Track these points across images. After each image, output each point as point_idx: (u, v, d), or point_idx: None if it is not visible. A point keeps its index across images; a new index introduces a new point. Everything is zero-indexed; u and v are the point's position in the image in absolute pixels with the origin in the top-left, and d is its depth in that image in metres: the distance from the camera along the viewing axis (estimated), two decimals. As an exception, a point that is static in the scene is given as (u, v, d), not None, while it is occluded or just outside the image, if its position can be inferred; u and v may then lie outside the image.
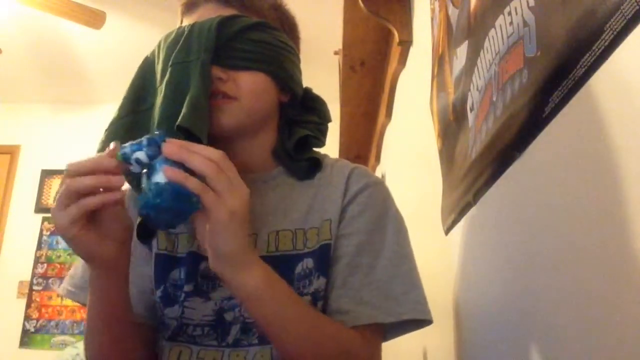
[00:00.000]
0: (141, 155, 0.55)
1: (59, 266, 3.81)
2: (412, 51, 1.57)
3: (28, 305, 3.74)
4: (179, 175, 0.54)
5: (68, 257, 3.81)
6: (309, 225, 0.73)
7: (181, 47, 0.70)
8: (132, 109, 0.72)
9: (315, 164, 0.78)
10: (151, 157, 0.55)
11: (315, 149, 0.80)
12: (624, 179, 0.41)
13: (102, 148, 0.70)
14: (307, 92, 0.83)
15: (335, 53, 2.39)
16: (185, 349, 0.71)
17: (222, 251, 0.58)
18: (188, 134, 0.64)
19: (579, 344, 0.49)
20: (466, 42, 0.84)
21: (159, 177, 0.54)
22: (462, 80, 0.87)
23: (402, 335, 0.74)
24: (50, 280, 3.78)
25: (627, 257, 0.40)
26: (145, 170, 0.56)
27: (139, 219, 0.68)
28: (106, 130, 0.72)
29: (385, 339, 0.74)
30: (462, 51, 0.87)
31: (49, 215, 3.92)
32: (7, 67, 3.65)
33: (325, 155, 0.82)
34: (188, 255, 0.71)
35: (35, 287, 3.78)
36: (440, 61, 1.08)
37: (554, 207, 0.54)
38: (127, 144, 0.56)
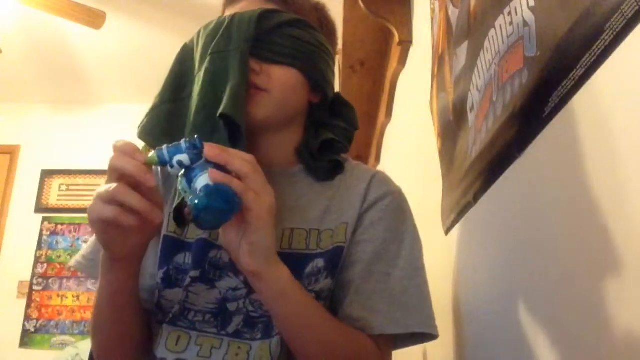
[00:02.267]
0: (184, 158, 0.58)
1: (59, 266, 3.80)
2: (412, 51, 1.57)
3: (28, 305, 3.74)
4: (224, 177, 0.56)
5: (68, 257, 3.80)
6: (324, 227, 0.73)
7: (221, 36, 0.71)
8: (173, 97, 0.74)
9: (337, 166, 0.78)
10: (193, 161, 0.58)
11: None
12: (624, 178, 0.41)
13: (142, 132, 0.72)
14: (338, 97, 0.84)
15: (336, 53, 2.38)
16: (184, 334, 0.71)
17: (262, 245, 0.60)
18: (228, 122, 0.67)
19: (580, 342, 0.49)
20: (466, 42, 0.84)
21: (205, 180, 0.56)
22: (462, 80, 0.87)
23: (408, 347, 0.74)
24: (50, 280, 3.78)
25: (627, 256, 0.40)
26: (182, 173, 0.58)
27: (175, 203, 0.69)
28: (147, 115, 0.73)
29: (394, 348, 0.74)
30: (462, 51, 0.87)
31: (49, 215, 3.93)
32: (7, 67, 3.64)
33: (347, 159, 0.82)
34: (197, 241, 0.72)
35: (35, 287, 3.77)
36: (440, 61, 1.08)
37: (553, 206, 0.54)
38: (164, 147, 0.59)
